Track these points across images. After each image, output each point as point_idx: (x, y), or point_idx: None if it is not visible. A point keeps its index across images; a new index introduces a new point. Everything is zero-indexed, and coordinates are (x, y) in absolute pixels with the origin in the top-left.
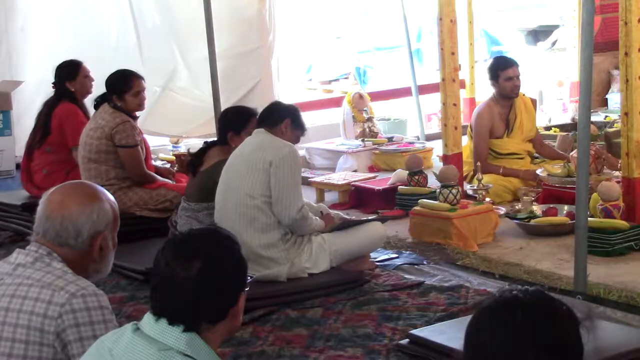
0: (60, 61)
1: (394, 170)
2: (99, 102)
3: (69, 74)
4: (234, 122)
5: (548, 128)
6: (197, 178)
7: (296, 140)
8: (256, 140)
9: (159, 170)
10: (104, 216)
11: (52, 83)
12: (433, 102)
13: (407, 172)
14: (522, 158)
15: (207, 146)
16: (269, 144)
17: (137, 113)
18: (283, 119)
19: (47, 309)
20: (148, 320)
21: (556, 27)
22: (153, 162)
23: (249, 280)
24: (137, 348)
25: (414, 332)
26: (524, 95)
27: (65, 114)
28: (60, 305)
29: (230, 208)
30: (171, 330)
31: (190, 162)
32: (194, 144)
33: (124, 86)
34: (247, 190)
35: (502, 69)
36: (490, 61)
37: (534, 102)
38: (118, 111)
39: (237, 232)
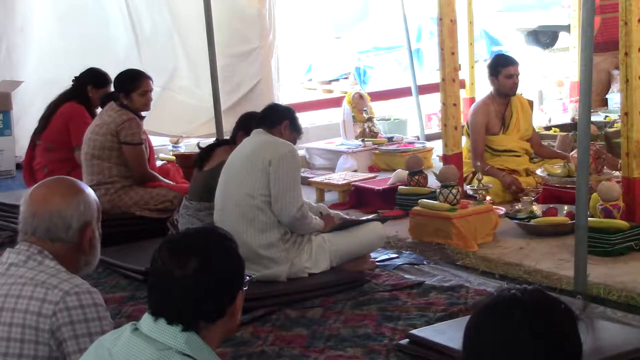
0: (60, 61)
1: (394, 170)
2: (105, 100)
3: (97, 82)
4: (247, 124)
5: (548, 128)
6: (201, 176)
7: (294, 142)
8: (255, 140)
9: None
10: (89, 207)
11: (73, 78)
12: (433, 102)
13: (407, 172)
14: (519, 156)
15: (217, 144)
16: (268, 143)
17: (143, 113)
18: (282, 121)
19: (41, 307)
20: (147, 320)
21: (558, 27)
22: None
23: (247, 280)
24: (136, 348)
25: (414, 332)
26: (521, 95)
27: (71, 113)
28: (55, 304)
29: (230, 208)
30: (170, 330)
31: (199, 156)
32: (194, 144)
33: (132, 85)
34: (247, 190)
35: (503, 66)
36: (491, 58)
37: (530, 103)
38: (124, 109)
39: (237, 232)
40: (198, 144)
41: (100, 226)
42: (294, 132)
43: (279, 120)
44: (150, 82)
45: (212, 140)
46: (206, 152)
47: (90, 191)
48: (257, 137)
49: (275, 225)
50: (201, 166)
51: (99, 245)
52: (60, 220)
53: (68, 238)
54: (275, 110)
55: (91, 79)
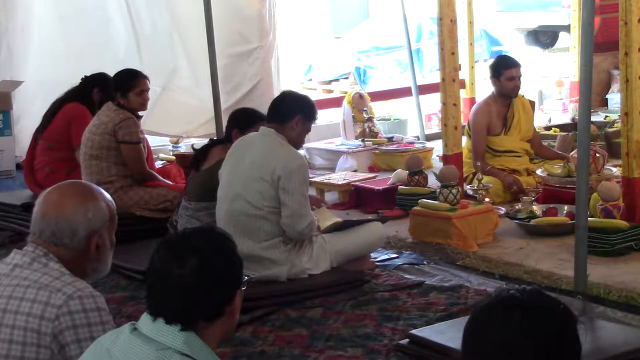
0: (61, 61)
1: (394, 170)
2: (102, 101)
3: (104, 87)
4: (241, 121)
5: (548, 128)
6: (198, 176)
7: (307, 132)
8: (264, 146)
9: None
10: (99, 215)
11: (82, 77)
12: (433, 102)
13: (407, 172)
14: (519, 156)
15: (212, 143)
16: (278, 154)
17: (140, 113)
18: (294, 116)
19: (44, 311)
20: (145, 320)
21: (558, 27)
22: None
23: (245, 279)
24: (135, 348)
25: (414, 332)
26: (523, 96)
27: (73, 113)
28: (57, 307)
29: (232, 211)
30: (168, 330)
31: (194, 157)
32: (194, 143)
33: (129, 84)
34: (254, 202)
35: (505, 68)
36: (493, 59)
37: (532, 104)
38: (121, 109)
39: (238, 233)
40: (192, 146)
41: (112, 234)
42: (308, 122)
43: (290, 115)
44: (147, 81)
45: (207, 140)
46: (202, 153)
47: (104, 198)
48: (267, 140)
49: (278, 230)
50: (198, 167)
51: (109, 253)
52: (66, 226)
53: (73, 244)
54: (287, 103)
55: (100, 83)
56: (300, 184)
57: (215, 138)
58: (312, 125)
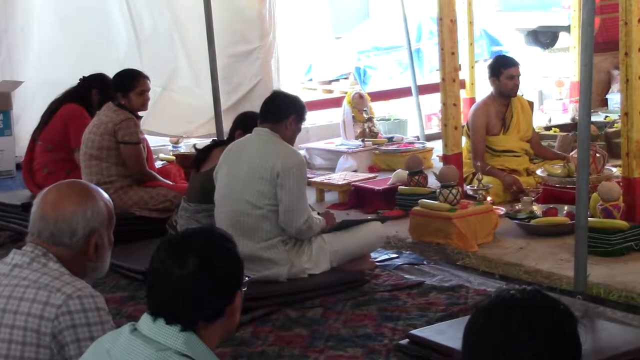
0: (61, 61)
1: (394, 170)
2: (102, 101)
3: (103, 89)
4: (248, 123)
5: (548, 128)
6: (198, 178)
7: (299, 132)
8: (261, 146)
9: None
10: (98, 214)
11: (81, 78)
12: (433, 102)
13: (407, 172)
14: (519, 156)
15: (214, 144)
16: (276, 152)
17: (140, 113)
18: (288, 115)
19: (43, 311)
20: (145, 321)
21: (558, 27)
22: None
23: (246, 280)
24: (135, 348)
25: (414, 332)
26: (522, 96)
27: (71, 114)
28: (57, 307)
29: (232, 212)
30: (169, 330)
31: (196, 158)
32: (196, 144)
33: (130, 84)
34: (253, 201)
35: (505, 67)
36: (492, 59)
37: (531, 104)
38: (122, 109)
39: (238, 234)
40: (194, 146)
41: (111, 233)
42: (300, 122)
43: (285, 114)
44: (148, 81)
45: (209, 141)
46: (204, 153)
47: (102, 197)
48: (263, 139)
49: (278, 229)
50: (198, 167)
51: (108, 253)
52: (65, 226)
53: (72, 244)
54: (281, 103)
55: (98, 84)
56: (298, 181)
57: (216, 138)
58: (305, 126)
